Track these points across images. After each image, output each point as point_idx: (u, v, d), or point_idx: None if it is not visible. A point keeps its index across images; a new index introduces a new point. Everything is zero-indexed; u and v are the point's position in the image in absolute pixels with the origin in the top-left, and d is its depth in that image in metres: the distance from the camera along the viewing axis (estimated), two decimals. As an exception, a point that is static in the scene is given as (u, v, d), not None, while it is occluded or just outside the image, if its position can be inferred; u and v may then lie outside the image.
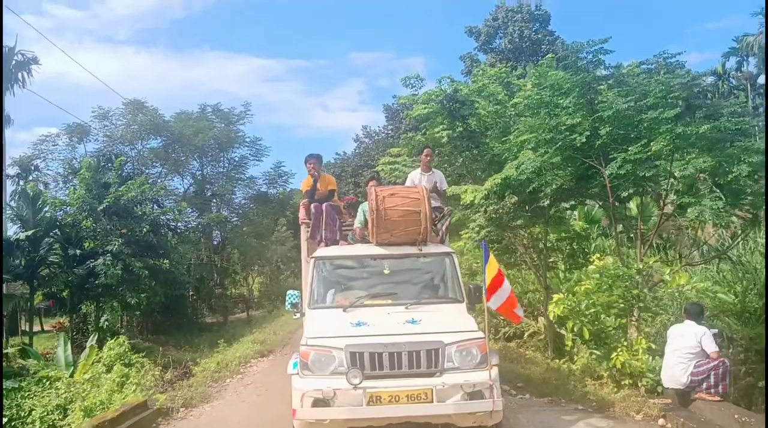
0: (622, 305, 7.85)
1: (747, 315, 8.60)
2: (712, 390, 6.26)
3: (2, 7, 10.94)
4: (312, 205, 6.92)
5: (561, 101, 8.08)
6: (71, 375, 10.42)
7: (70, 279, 16.69)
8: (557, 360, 9.52)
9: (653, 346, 7.42)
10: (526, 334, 11.87)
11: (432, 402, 4.63)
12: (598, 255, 8.65)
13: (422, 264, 6.08)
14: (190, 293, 26.75)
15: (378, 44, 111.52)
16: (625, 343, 7.72)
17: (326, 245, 6.46)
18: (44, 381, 10.03)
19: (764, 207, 8.59)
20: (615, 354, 7.49)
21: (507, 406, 5.86)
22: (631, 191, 8.01)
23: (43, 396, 8.95)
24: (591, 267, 8.12)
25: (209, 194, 28.58)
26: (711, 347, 6.36)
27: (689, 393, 6.48)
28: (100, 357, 10.96)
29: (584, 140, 7.79)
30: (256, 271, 36.26)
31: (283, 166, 30.86)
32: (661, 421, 6.38)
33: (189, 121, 26.05)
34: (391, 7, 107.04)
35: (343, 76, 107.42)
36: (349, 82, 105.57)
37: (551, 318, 8.84)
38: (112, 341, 11.21)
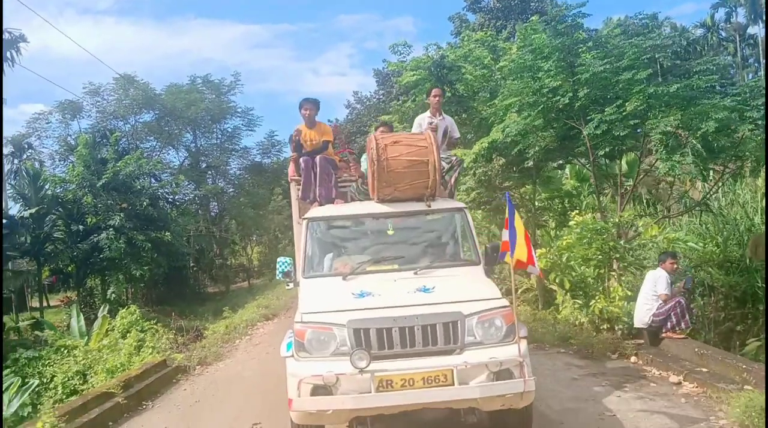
0: (600, 257, 8.40)
1: (728, 264, 9.14)
2: (677, 329, 6.94)
3: (2, 6, 10.94)
4: (302, 159, 5.88)
5: (543, 65, 8.40)
6: (86, 344, 11.08)
7: (75, 254, 17.24)
8: (544, 312, 10.16)
9: (629, 293, 8.01)
10: (519, 291, 12.48)
11: (453, 385, 3.88)
12: (577, 212, 9.17)
13: (431, 223, 5.39)
14: (191, 264, 27.35)
15: (364, 4, 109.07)
16: (603, 292, 8.32)
17: (321, 204, 5.63)
18: (62, 349, 10.67)
19: (764, 172, 9.03)
20: (593, 302, 8.11)
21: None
22: (607, 149, 8.43)
23: (63, 364, 9.55)
24: (571, 222, 8.65)
25: (204, 166, 28.85)
26: (660, 289, 7.03)
27: (658, 332, 7.14)
28: (113, 326, 11.62)
29: (567, 101, 8.16)
30: (254, 241, 36.83)
31: (276, 136, 31.14)
32: (633, 359, 7.05)
33: (180, 93, 26.10)
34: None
35: (332, 40, 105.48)
36: (337, 46, 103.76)
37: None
38: (124, 310, 11.86)
